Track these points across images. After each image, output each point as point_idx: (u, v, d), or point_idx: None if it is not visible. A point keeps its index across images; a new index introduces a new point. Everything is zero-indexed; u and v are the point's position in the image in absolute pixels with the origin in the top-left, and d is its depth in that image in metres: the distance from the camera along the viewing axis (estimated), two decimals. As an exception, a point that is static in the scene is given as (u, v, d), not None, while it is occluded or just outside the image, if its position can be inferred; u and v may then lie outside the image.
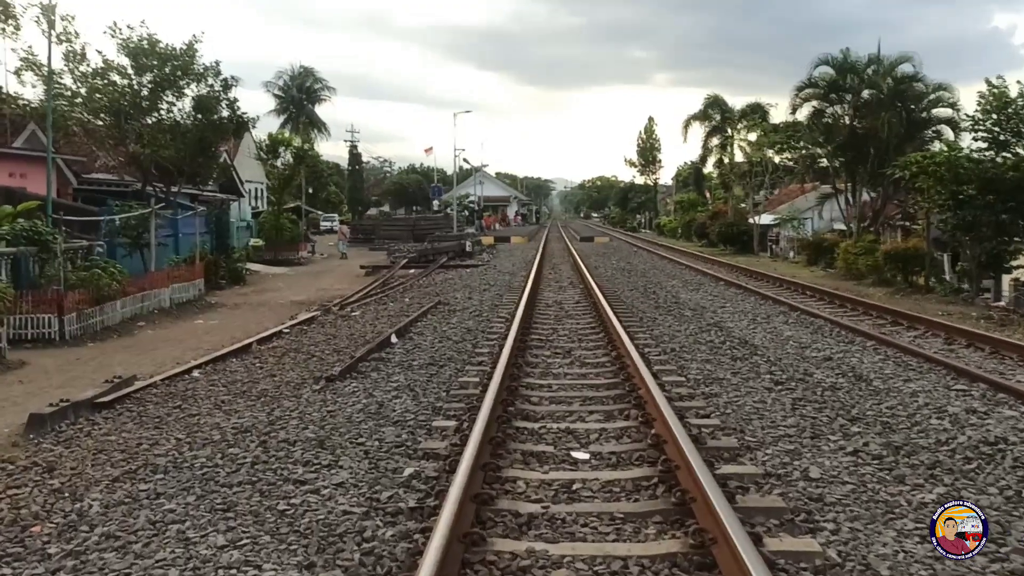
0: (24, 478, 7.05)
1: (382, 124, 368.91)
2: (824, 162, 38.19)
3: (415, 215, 67.64)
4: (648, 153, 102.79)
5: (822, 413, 7.93)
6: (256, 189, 51.05)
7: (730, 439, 6.96)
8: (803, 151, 38.90)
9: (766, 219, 50.33)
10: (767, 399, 8.52)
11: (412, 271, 30.29)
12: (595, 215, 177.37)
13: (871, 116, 33.43)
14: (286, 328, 15.95)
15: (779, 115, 56.07)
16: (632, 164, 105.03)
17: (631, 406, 8.08)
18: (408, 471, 6.17)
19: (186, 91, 28.33)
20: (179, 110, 28.50)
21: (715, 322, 14.55)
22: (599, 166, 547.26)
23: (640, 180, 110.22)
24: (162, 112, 28.10)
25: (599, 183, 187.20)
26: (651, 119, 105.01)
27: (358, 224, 62.47)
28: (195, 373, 12.02)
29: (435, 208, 72.26)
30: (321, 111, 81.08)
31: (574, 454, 6.60)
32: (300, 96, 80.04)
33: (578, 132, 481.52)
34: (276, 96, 79.20)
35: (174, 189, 28.99)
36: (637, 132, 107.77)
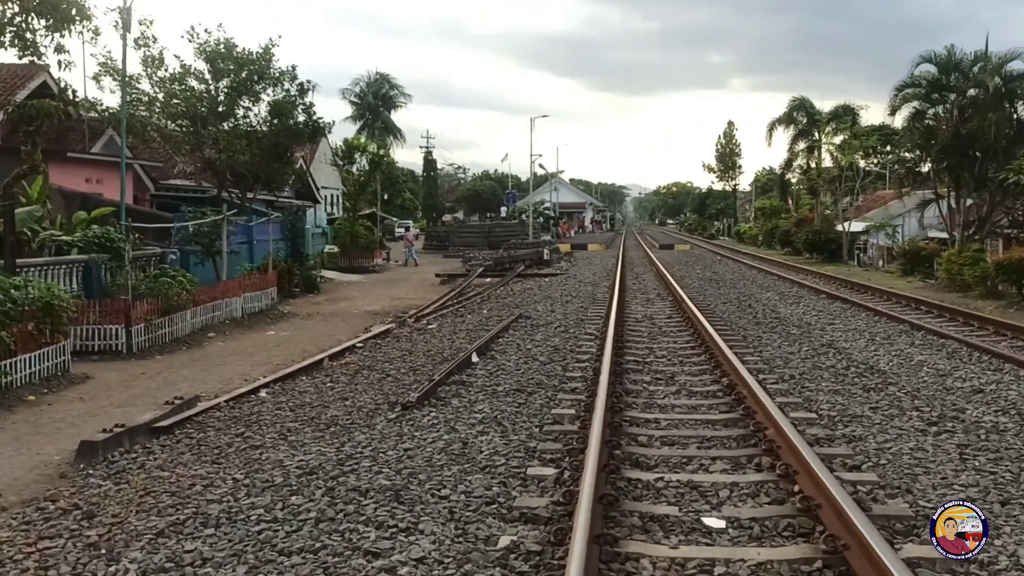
0: (60, 526, 6.14)
1: (456, 131, 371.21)
2: (923, 166, 35.94)
3: (490, 222, 66.79)
4: (727, 158, 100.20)
5: (1000, 466, 6.54)
6: (332, 195, 50.82)
7: (900, 504, 5.64)
8: (901, 155, 36.59)
9: (855, 227, 48.01)
10: (924, 445, 7.15)
11: (488, 280, 29.30)
12: (670, 221, 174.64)
13: (978, 117, 31.19)
14: (359, 342, 15.03)
15: (869, 118, 54.01)
16: (711, 169, 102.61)
17: (761, 451, 6.82)
18: (503, 542, 5.02)
19: (262, 96, 27.94)
20: (255, 115, 28.13)
21: (828, 342, 13.10)
22: (674, 172, 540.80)
23: (718, 186, 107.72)
24: (238, 117, 27.75)
25: (675, 189, 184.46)
26: (731, 123, 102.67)
27: (432, 231, 61.92)
28: (262, 393, 11.13)
29: (503, 214, 71.34)
30: (396, 118, 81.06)
31: (705, 520, 5.38)
32: (376, 102, 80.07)
33: (653, 138, 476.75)
34: (352, 103, 79.40)
35: (250, 195, 28.63)
36: (715, 137, 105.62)
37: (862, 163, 50.42)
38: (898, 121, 35.23)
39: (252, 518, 5.80)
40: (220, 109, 27.13)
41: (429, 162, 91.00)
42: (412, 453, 7.03)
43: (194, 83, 26.49)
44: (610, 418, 7.63)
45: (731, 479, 6.20)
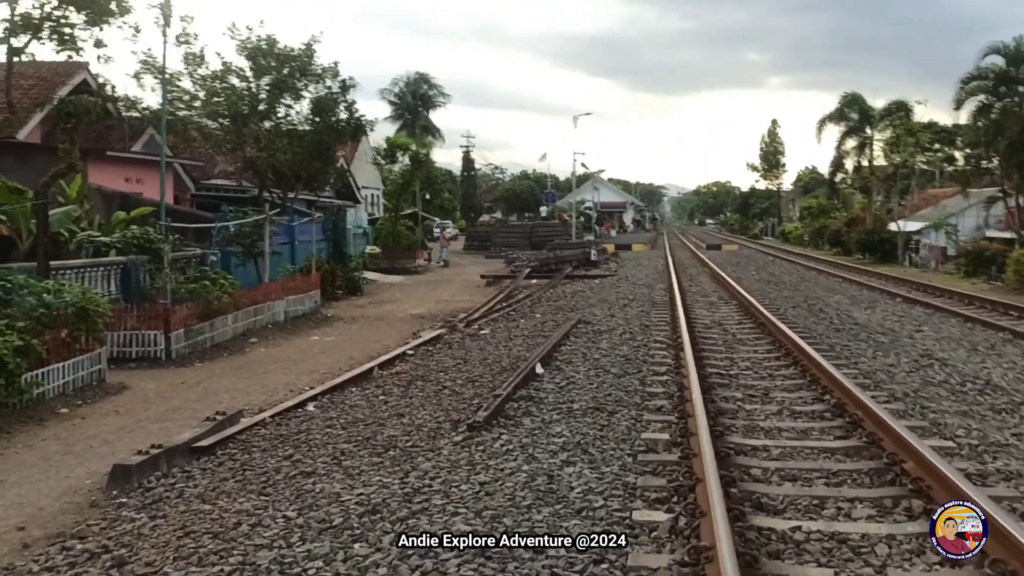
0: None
1: (493, 131, 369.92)
2: (990, 163, 34.31)
3: (532, 222, 65.75)
4: (771, 157, 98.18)
5: None
6: (372, 195, 50.16)
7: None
8: (952, 152, 34.98)
9: (909, 226, 46.29)
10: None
11: (535, 281, 28.31)
12: (710, 221, 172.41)
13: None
14: (409, 349, 14.11)
15: (920, 114, 52.03)
16: (754, 168, 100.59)
17: (908, 491, 5.74)
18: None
19: (304, 93, 27.25)
20: (297, 113, 27.45)
21: (925, 352, 11.90)
22: (712, 171, 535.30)
23: (760, 185, 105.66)
24: (279, 115, 27.08)
25: (714, 188, 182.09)
26: (774, 121, 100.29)
27: (473, 231, 61.06)
28: (310, 407, 10.24)
29: (542, 214, 70.23)
30: (435, 118, 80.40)
31: (872, 593, 4.33)
32: (415, 102, 79.53)
33: (690, 137, 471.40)
34: (391, 103, 78.92)
35: (291, 195, 27.92)
36: (753, 136, 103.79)
37: (919, 160, 48.76)
38: (963, 116, 33.64)
39: (310, 573, 4.84)
40: (261, 107, 26.49)
41: (468, 161, 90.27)
42: (490, 489, 6.02)
43: (235, 81, 25.87)
44: (717, 447, 6.58)
45: (884, 529, 5.12)
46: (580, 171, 69.67)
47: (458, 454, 7.12)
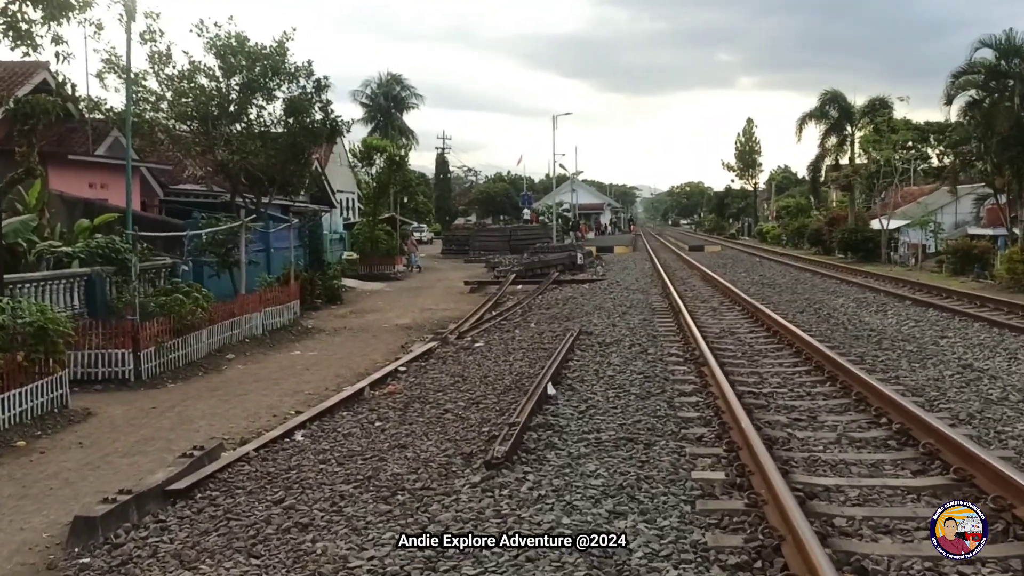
0: None
1: (466, 134, 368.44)
2: (980, 159, 33.76)
3: (512, 224, 64.71)
4: (747, 156, 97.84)
5: None
6: (347, 199, 48.87)
7: None
8: (950, 148, 34.43)
9: (892, 224, 45.87)
10: None
11: (520, 287, 27.32)
12: (684, 222, 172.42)
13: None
14: (401, 365, 13.05)
15: (899, 112, 51.69)
16: (730, 168, 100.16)
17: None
18: None
19: (276, 93, 26.08)
20: (269, 114, 26.28)
21: (964, 363, 11.02)
22: (685, 172, 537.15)
23: (736, 185, 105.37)
24: (251, 116, 25.90)
25: (688, 189, 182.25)
26: (750, 120, 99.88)
27: (450, 234, 59.95)
28: (298, 436, 9.18)
29: (525, 217, 69.23)
30: (408, 120, 79.19)
31: None
32: (388, 104, 78.30)
33: (662, 138, 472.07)
34: (363, 104, 77.63)
35: (265, 200, 26.73)
36: (729, 136, 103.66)
37: (896, 157, 48.39)
38: (953, 112, 33.05)
39: None
40: (232, 108, 25.31)
41: (442, 164, 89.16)
42: (531, 554, 4.95)
43: (204, 81, 24.70)
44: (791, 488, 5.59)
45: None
46: (559, 172, 68.86)
47: (480, 501, 6.08)
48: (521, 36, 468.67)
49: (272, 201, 27.52)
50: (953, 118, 33.33)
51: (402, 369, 12.85)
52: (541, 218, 68.02)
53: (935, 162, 71.76)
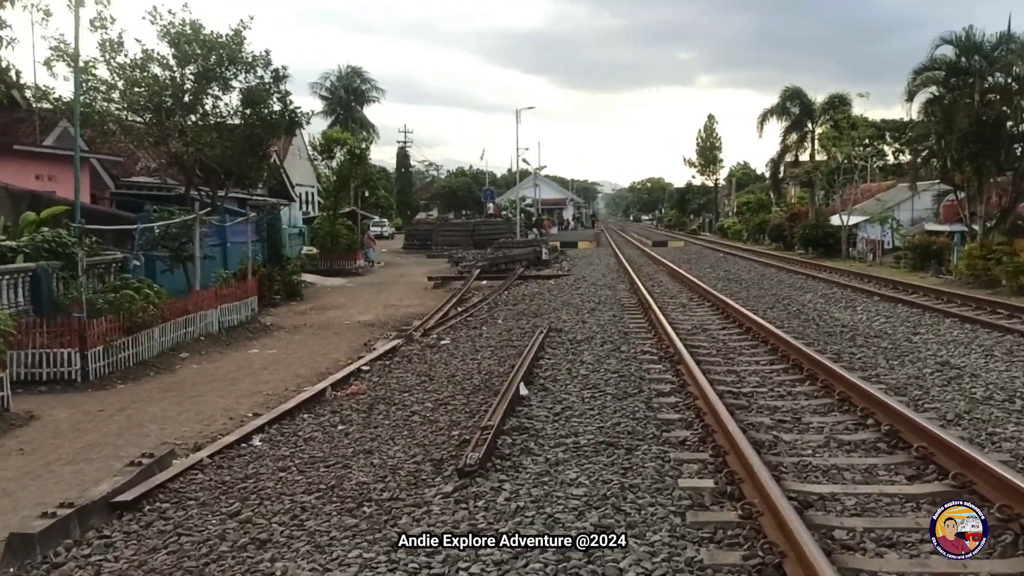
0: None
1: (427, 128, 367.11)
2: (941, 156, 33.86)
3: (475, 219, 64.16)
4: (708, 152, 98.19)
5: None
6: (306, 193, 48.01)
7: None
8: (916, 144, 34.56)
9: (852, 220, 46.21)
10: None
11: (485, 283, 26.88)
12: (645, 217, 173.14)
13: (1005, 102, 29.27)
14: (364, 364, 12.55)
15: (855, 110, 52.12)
16: (691, 164, 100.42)
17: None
18: None
19: (233, 83, 25.33)
20: (226, 105, 25.52)
21: (942, 361, 10.78)
22: (646, 168, 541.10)
23: (697, 181, 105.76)
24: (207, 107, 25.13)
25: (649, 185, 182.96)
26: (711, 117, 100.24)
27: (413, 229, 59.28)
28: (256, 441, 8.67)
29: (489, 212, 68.76)
30: (369, 114, 78.26)
31: None
32: (348, 97, 77.30)
33: (623, 135, 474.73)
34: (323, 97, 76.55)
35: (221, 193, 25.98)
36: (689, 133, 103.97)
37: (854, 153, 48.80)
38: (914, 109, 33.15)
39: None
40: (187, 99, 24.54)
41: (403, 158, 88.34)
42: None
43: (157, 70, 23.89)
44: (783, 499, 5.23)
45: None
46: (523, 166, 68.43)
47: (453, 513, 5.64)
48: (482, 31, 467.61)
49: (228, 194, 26.76)
50: (914, 115, 33.41)
51: (365, 368, 12.35)
52: (504, 213, 67.50)
53: (891, 159, 72.81)
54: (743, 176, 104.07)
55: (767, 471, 5.56)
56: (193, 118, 24.88)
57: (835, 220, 46.77)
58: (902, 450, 6.62)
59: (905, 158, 72.51)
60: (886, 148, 71.75)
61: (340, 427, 8.99)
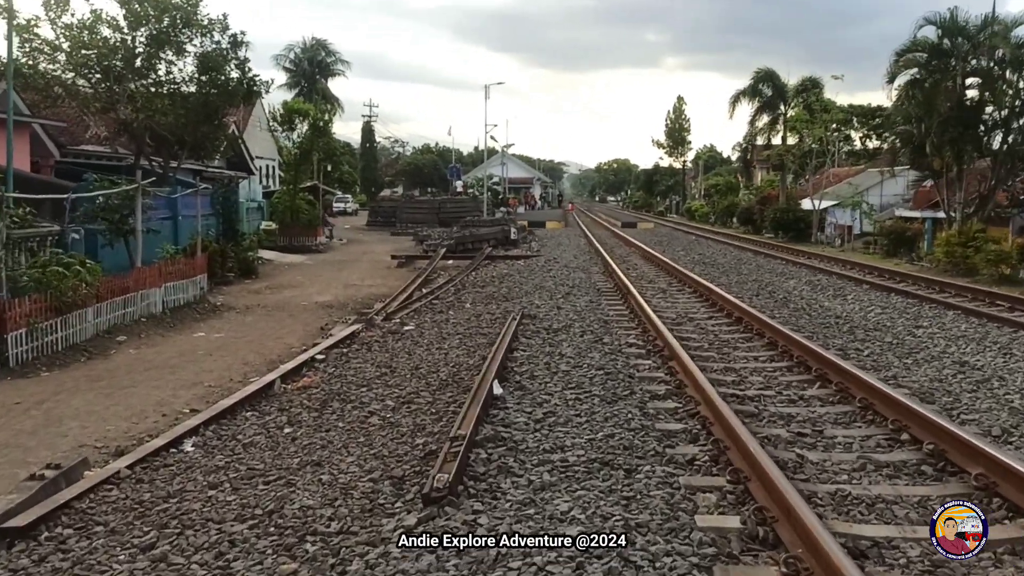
0: None
1: (393, 105, 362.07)
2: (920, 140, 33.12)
3: (441, 197, 62.69)
4: (676, 133, 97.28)
5: None
6: (267, 166, 46.33)
7: None
8: (894, 128, 33.76)
9: (823, 204, 45.62)
10: None
11: (452, 262, 25.69)
12: (611, 199, 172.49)
13: (987, 86, 28.55)
14: (319, 352, 11.33)
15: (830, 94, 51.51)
16: (659, 145, 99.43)
17: None
18: None
19: (188, 48, 23.86)
20: (180, 70, 24.05)
21: (960, 361, 9.77)
22: (612, 149, 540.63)
23: (665, 162, 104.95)
24: (160, 72, 23.64)
25: (615, 166, 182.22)
26: (680, 98, 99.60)
27: (377, 206, 57.73)
28: (188, 446, 7.47)
29: (456, 189, 67.36)
30: (334, 88, 76.32)
31: None
32: (312, 70, 75.30)
33: (590, 115, 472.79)
34: (286, 69, 74.47)
35: (174, 164, 24.49)
36: (655, 114, 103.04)
37: (827, 137, 48.17)
38: (895, 91, 32.36)
39: None
40: (139, 63, 23.03)
41: (368, 133, 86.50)
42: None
43: (107, 31, 22.40)
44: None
45: None
46: (490, 144, 67.09)
47: (418, 560, 4.49)
48: (449, 7, 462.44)
49: (182, 165, 25.30)
50: (894, 97, 32.62)
51: (320, 357, 11.14)
52: (470, 191, 66.11)
53: (858, 144, 72.53)
54: (709, 159, 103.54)
55: (807, 508, 4.48)
56: (145, 83, 23.43)
57: (806, 204, 46.17)
58: (955, 477, 5.60)
59: (872, 144, 72.52)
60: (853, 134, 71.49)
61: (287, 429, 7.81)
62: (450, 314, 14.58)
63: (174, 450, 7.35)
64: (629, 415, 7.08)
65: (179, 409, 9.27)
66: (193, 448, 7.41)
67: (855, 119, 69.41)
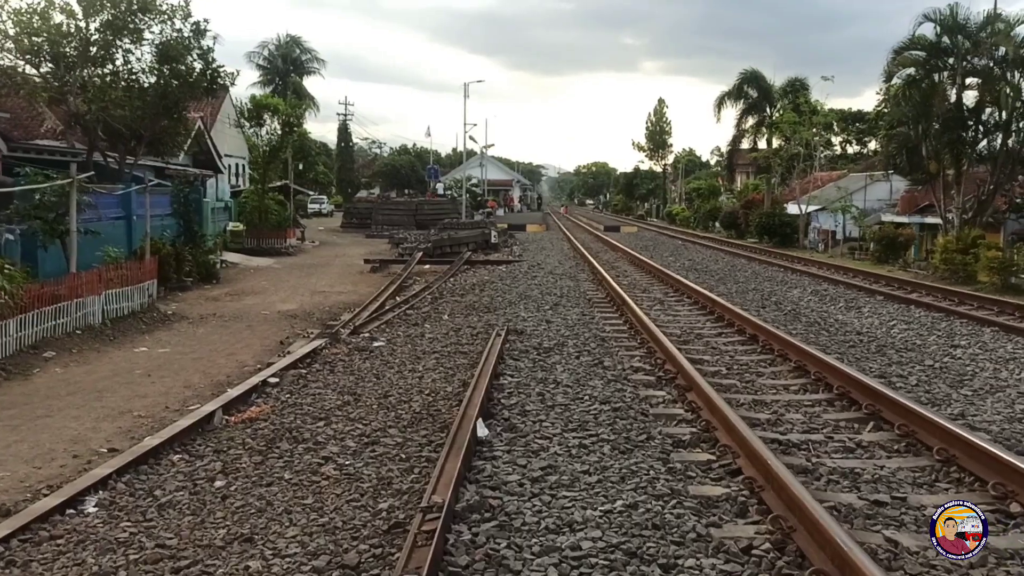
0: None
1: (370, 106, 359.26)
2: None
3: (418, 198, 60.96)
4: (657, 136, 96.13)
5: None
6: (238, 164, 44.41)
7: None
8: (891, 129, 32.50)
9: (809, 208, 44.47)
10: None
11: (429, 267, 24.14)
12: (589, 202, 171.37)
13: (988, 86, 27.36)
14: (273, 375, 9.73)
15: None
16: (640, 148, 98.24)
17: None
18: None
19: (147, 35, 22.27)
20: (138, 60, 22.45)
21: (1020, 391, 8.36)
22: (591, 152, 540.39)
23: (645, 166, 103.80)
24: (117, 62, 22.05)
25: (594, 169, 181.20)
26: (661, 101, 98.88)
27: (352, 207, 55.98)
28: (89, 506, 5.88)
29: (438, 192, 65.64)
30: (310, 87, 74.47)
31: None
32: (286, 67, 73.41)
33: (568, 118, 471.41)
34: (260, 66, 72.50)
35: (131, 159, 22.78)
36: (634, 118, 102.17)
37: (814, 140, 47.12)
38: (889, 91, 31.13)
39: None
40: (94, 51, 21.41)
41: (344, 132, 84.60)
42: None
43: (59, 17, 20.86)
44: None
45: None
46: (470, 145, 65.52)
47: None
48: (429, 9, 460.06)
49: (140, 162, 23.57)
50: (882, 97, 31.48)
51: (273, 381, 9.55)
52: (448, 192, 64.46)
53: (838, 149, 71.71)
54: (689, 163, 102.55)
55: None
56: (100, 73, 21.84)
57: (791, 208, 45.11)
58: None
59: (853, 148, 71.71)
60: (834, 138, 70.73)
61: (218, 483, 6.24)
62: (426, 327, 13.02)
63: (71, 511, 5.76)
64: (651, 472, 5.56)
65: (96, 448, 7.67)
66: (96, 508, 5.83)
67: (835, 124, 68.64)
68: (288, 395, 8.99)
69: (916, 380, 8.68)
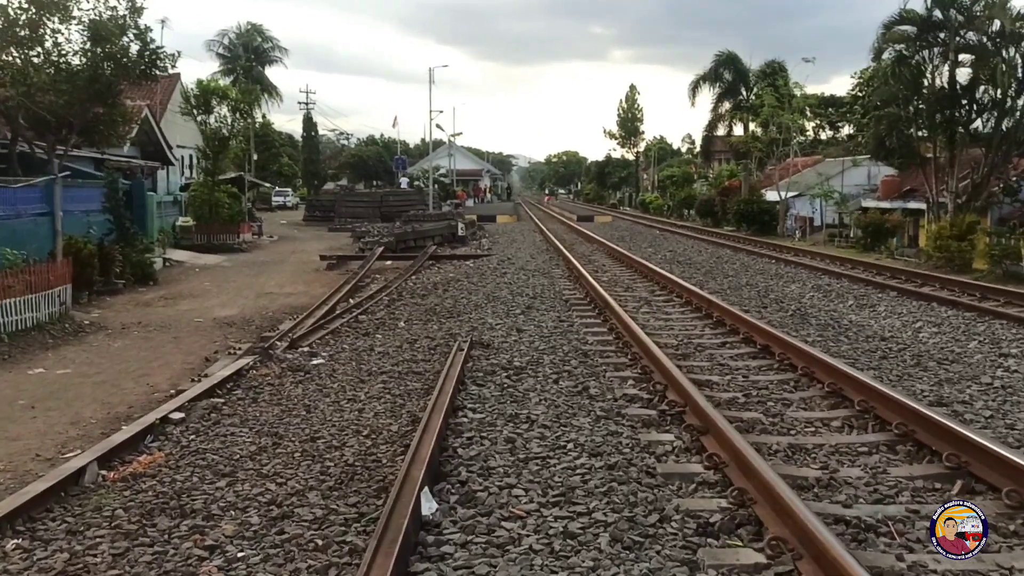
0: None
1: (337, 97, 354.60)
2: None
3: (383, 189, 58.79)
4: (629, 124, 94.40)
5: None
6: (190, 156, 42.17)
7: None
8: (879, 109, 30.87)
9: (788, 195, 43.06)
10: None
11: (390, 263, 22.20)
12: (561, 191, 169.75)
13: (983, 62, 25.84)
14: (177, 410, 7.79)
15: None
16: (612, 136, 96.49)
17: None
18: None
19: (75, 11, 20.08)
20: (67, 40, 20.25)
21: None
22: (561, 142, 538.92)
23: (617, 154, 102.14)
24: (47, 45, 19.86)
25: (565, 158, 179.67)
26: (633, 87, 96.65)
27: (314, 199, 53.76)
28: None
29: (402, 184, 63.49)
30: (274, 77, 72.01)
31: None
32: (248, 56, 70.89)
33: (538, 108, 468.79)
34: (220, 55, 69.94)
35: (61, 149, 20.60)
36: (603, 107, 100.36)
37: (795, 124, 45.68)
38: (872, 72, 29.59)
39: None
40: (22, 32, 19.25)
41: (309, 123, 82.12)
42: None
43: (-24, -7, 18.66)
44: None
45: None
46: (437, 134, 63.42)
47: None
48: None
49: (72, 152, 21.41)
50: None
51: (177, 416, 7.61)
52: (416, 183, 62.35)
53: (811, 135, 70.56)
54: (661, 151, 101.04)
55: None
56: (27, 55, 19.67)
57: (770, 195, 43.74)
58: None
59: (826, 134, 70.58)
60: (807, 124, 69.55)
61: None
62: (377, 338, 11.12)
63: None
64: (655, 565, 3.72)
65: (-81, 524, 5.70)
66: None
67: (807, 109, 67.42)
68: (193, 436, 7.09)
69: (982, 405, 6.92)
